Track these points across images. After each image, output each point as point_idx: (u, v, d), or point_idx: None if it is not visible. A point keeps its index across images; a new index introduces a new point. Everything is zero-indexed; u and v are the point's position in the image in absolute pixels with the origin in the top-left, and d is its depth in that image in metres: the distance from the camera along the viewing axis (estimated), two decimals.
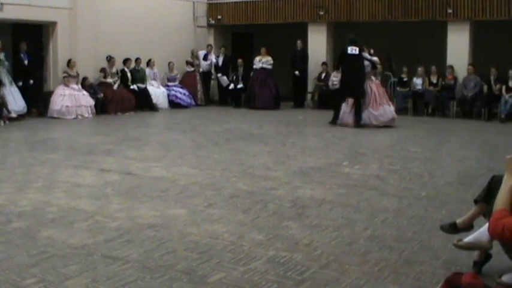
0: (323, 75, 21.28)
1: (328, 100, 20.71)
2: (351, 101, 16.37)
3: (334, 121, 16.53)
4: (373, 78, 16.55)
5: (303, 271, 5.50)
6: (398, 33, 21.18)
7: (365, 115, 16.24)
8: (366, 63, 16.41)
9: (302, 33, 21.64)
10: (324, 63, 21.31)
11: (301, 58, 21.58)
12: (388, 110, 16.41)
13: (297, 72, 21.55)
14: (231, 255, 5.90)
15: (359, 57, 16.32)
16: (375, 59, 16.81)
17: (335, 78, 20.75)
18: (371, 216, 7.43)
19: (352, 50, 16.34)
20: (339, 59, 17.14)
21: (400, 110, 19.54)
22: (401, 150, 12.62)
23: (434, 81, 19.54)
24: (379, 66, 16.88)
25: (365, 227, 6.95)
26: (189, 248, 6.12)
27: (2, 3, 16.81)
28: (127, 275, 5.37)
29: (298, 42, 21.55)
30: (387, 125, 16.24)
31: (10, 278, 5.29)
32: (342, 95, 16.67)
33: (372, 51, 17.20)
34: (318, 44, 21.56)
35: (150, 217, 7.30)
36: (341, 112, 16.53)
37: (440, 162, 11.41)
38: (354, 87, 16.25)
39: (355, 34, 16.77)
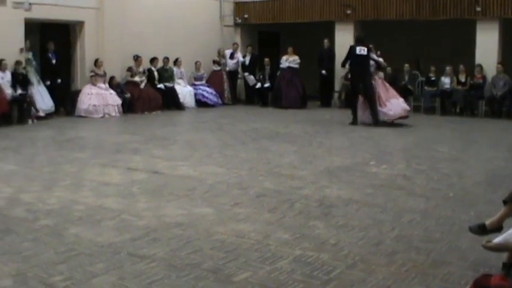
0: (349, 74, 21.17)
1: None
2: (361, 100, 16.48)
3: (355, 122, 16.57)
4: (376, 77, 16.58)
5: (329, 271, 5.49)
6: (426, 32, 21.07)
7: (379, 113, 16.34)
8: (371, 62, 16.48)
9: (329, 32, 21.57)
10: None
11: (328, 57, 21.51)
12: (395, 103, 16.38)
13: (323, 72, 21.50)
14: (257, 255, 5.90)
15: (367, 58, 16.43)
16: (381, 60, 16.94)
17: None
18: (398, 216, 7.40)
19: (361, 50, 16.44)
20: (346, 57, 17.08)
21: (428, 110, 19.48)
22: (428, 150, 12.54)
23: (463, 80, 19.37)
24: (384, 66, 17.18)
25: (392, 227, 6.93)
26: (215, 247, 6.13)
27: (30, 4, 16.92)
28: (153, 273, 5.39)
29: (325, 41, 21.49)
30: (402, 117, 16.30)
31: (38, 275, 5.34)
32: (354, 94, 16.84)
33: (378, 52, 17.27)
34: (345, 42, 21.31)
35: (176, 216, 7.32)
36: (358, 113, 16.64)
37: (468, 163, 11.32)
38: (362, 87, 16.37)
39: (364, 33, 17.34)
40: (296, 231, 6.69)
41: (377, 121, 16.11)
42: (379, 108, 16.21)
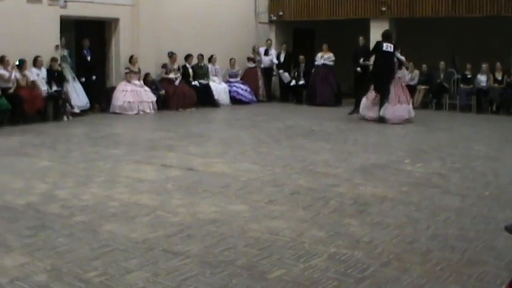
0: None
1: None
2: (372, 95, 16.53)
3: (355, 111, 16.98)
4: (397, 76, 16.62)
5: (363, 269, 5.47)
6: (462, 29, 20.86)
7: (384, 110, 16.32)
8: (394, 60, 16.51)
9: (364, 30, 21.46)
10: None
11: (363, 54, 21.39)
12: (405, 108, 16.51)
13: (358, 69, 21.38)
14: (291, 252, 5.90)
15: (392, 55, 16.44)
16: (403, 58, 16.97)
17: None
18: (433, 214, 7.35)
19: (388, 46, 16.43)
20: (371, 52, 17.30)
21: (464, 108, 19.32)
22: (464, 149, 12.46)
23: (499, 78, 19.19)
24: (407, 66, 17.36)
25: (427, 225, 6.89)
26: (249, 244, 6.14)
27: (65, 1, 17.05)
28: (187, 270, 5.41)
29: (360, 38, 21.36)
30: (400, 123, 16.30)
31: (73, 271, 5.38)
32: (367, 87, 16.87)
33: (399, 50, 17.16)
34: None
35: (210, 213, 7.34)
36: (361, 105, 16.79)
37: (504, 161, 11.21)
38: (382, 83, 16.35)
39: (392, 31, 17.39)
40: (330, 229, 6.68)
41: (382, 118, 16.21)
42: (389, 105, 16.24)
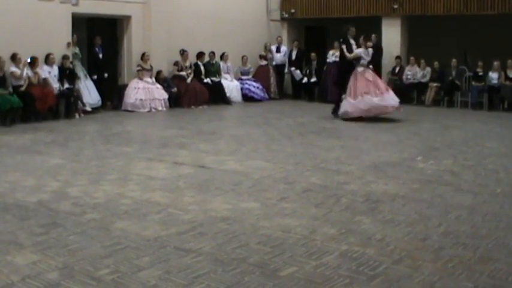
0: (397, 69, 21.08)
1: (401, 94, 20.55)
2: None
3: (335, 112, 16.72)
4: (359, 69, 16.37)
5: (375, 266, 5.46)
6: (474, 27, 20.79)
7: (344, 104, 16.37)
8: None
9: (376, 27, 21.43)
10: (397, 57, 21.08)
11: (375, 52, 21.35)
12: (369, 100, 16.06)
13: (370, 66, 21.34)
14: (303, 249, 5.90)
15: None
16: (352, 54, 16.59)
17: (409, 73, 20.59)
18: (445, 212, 7.34)
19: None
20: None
21: (475, 105, 19.25)
22: (476, 146, 12.42)
23: (511, 75, 19.10)
24: (349, 58, 16.63)
25: (439, 223, 6.87)
26: (261, 242, 6.14)
27: None
28: (199, 268, 5.41)
29: (373, 36, 21.34)
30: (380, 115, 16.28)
31: (84, 268, 5.39)
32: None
33: (369, 43, 17.08)
34: (392, 37, 21.31)
35: (222, 210, 7.35)
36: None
37: None
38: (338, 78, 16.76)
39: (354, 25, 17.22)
40: (342, 227, 6.68)
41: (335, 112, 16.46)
42: (349, 99, 16.23)
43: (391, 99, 16.29)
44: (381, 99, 16.08)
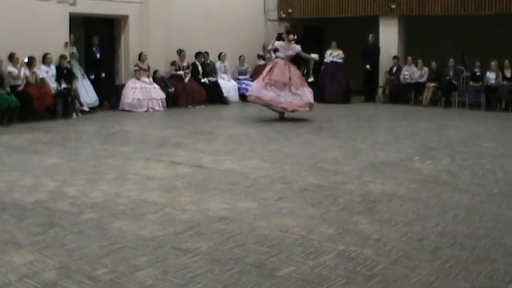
0: (394, 69, 21.10)
1: (399, 94, 20.61)
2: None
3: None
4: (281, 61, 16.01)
5: (372, 266, 5.47)
6: (471, 27, 20.82)
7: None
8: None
9: (373, 27, 21.46)
10: (395, 57, 21.09)
11: (373, 52, 21.41)
12: (276, 93, 15.71)
13: (368, 66, 21.41)
14: (300, 249, 5.90)
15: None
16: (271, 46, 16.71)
17: (406, 73, 20.60)
18: (442, 212, 7.34)
19: None
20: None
21: (473, 105, 19.27)
22: (473, 146, 12.43)
23: (508, 75, 19.10)
24: (279, 53, 16.19)
25: (436, 223, 6.88)
26: (258, 242, 6.14)
27: None
28: (196, 267, 5.41)
29: (370, 36, 21.39)
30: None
31: (82, 268, 5.39)
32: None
33: (291, 36, 16.21)
34: (389, 37, 21.34)
35: (220, 210, 7.35)
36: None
37: None
38: None
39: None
40: (339, 226, 6.68)
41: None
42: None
43: (294, 98, 15.85)
44: (281, 95, 15.71)
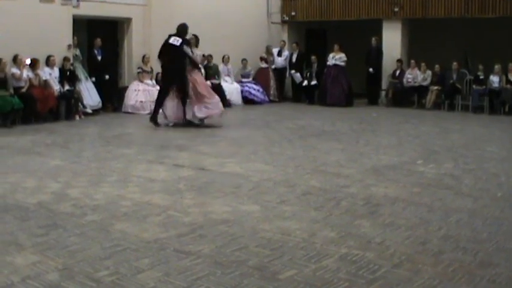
0: (397, 72, 21.07)
1: (402, 97, 20.58)
2: (174, 94, 15.34)
3: (155, 118, 15.37)
4: (191, 74, 15.31)
5: (375, 270, 5.45)
6: (475, 30, 20.81)
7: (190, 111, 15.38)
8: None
9: (376, 30, 21.45)
10: (398, 60, 21.07)
11: (376, 55, 21.40)
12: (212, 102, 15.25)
13: (371, 69, 21.39)
14: (303, 253, 5.89)
15: (179, 49, 15.19)
16: (190, 54, 15.29)
17: (410, 76, 20.57)
18: (445, 216, 7.33)
19: (175, 40, 15.33)
20: (160, 49, 15.75)
21: (476, 109, 19.24)
22: (477, 150, 12.41)
23: None
24: (196, 64, 15.55)
25: (439, 226, 6.86)
26: (261, 244, 6.13)
27: (78, 1, 17.13)
28: (199, 270, 5.41)
29: (373, 39, 21.37)
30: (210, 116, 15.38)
31: (84, 270, 5.40)
32: (167, 89, 15.39)
33: (190, 46, 15.46)
34: (392, 40, 21.32)
35: (222, 213, 7.34)
36: (168, 108, 15.38)
37: None
38: (176, 80, 15.25)
39: (184, 24, 15.63)
40: (342, 230, 6.67)
41: (186, 120, 15.38)
42: (191, 107, 15.30)
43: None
44: (217, 103, 15.35)
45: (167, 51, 15.39)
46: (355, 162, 10.75)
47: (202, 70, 18.05)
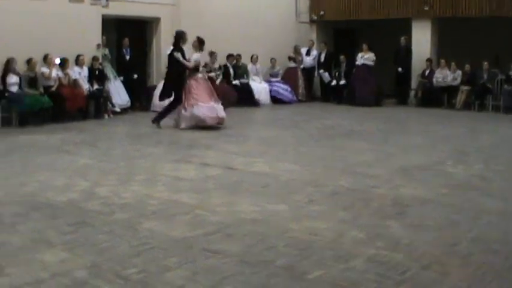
0: (427, 71, 20.93)
1: (432, 97, 20.44)
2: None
3: (159, 120, 15.09)
4: (199, 75, 15.14)
5: (403, 271, 5.42)
6: (506, 29, 20.58)
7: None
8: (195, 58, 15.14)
9: (406, 29, 21.33)
10: (428, 60, 20.93)
11: (405, 54, 21.28)
12: (209, 107, 14.83)
13: (400, 69, 21.28)
14: (331, 253, 5.86)
15: (171, 57, 15.20)
16: (188, 63, 14.96)
17: (439, 75, 20.43)
18: (475, 217, 7.26)
19: (168, 49, 15.47)
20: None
21: (507, 109, 19.05)
22: (507, 151, 12.31)
23: None
24: (186, 66, 14.98)
25: (468, 228, 6.80)
26: (289, 244, 6.11)
27: (107, 0, 17.22)
28: (226, 269, 5.41)
29: (402, 38, 21.25)
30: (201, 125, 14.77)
31: (112, 268, 5.42)
32: (180, 97, 15.01)
33: (179, 50, 15.07)
34: (422, 40, 21.18)
35: (250, 212, 7.33)
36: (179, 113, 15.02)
37: None
38: (174, 85, 15.05)
39: (177, 31, 15.52)
40: (370, 230, 6.63)
41: (155, 121, 14.98)
42: (183, 111, 14.84)
43: (220, 109, 15.06)
44: (210, 109, 14.82)
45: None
46: (384, 163, 10.70)
47: (212, 73, 18.32)
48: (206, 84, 15.29)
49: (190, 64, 14.95)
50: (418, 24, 21.27)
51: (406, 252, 5.94)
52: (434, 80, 20.66)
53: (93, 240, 6.20)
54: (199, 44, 15.27)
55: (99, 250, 5.88)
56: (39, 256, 5.71)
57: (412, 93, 21.51)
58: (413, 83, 21.51)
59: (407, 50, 21.31)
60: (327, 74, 22.25)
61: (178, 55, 14.98)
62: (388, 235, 6.50)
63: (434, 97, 20.62)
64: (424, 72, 21.05)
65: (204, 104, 14.77)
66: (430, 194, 8.37)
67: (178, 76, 15.04)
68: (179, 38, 15.22)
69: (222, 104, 15.24)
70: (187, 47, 15.24)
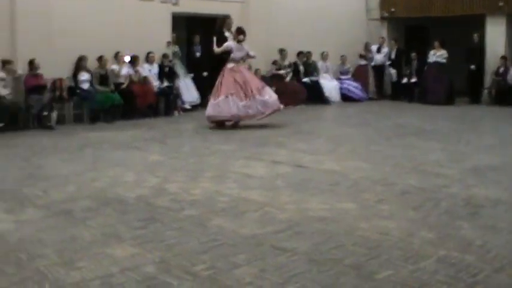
0: (501, 69, 20.52)
1: (506, 96, 20.04)
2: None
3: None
4: (229, 65, 14.66)
5: (475, 273, 5.30)
6: None
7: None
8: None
9: (479, 26, 20.96)
10: (502, 57, 20.50)
11: (478, 52, 20.92)
12: (231, 102, 14.30)
13: (473, 67, 20.93)
14: (400, 253, 5.79)
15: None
16: (221, 48, 14.80)
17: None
18: None
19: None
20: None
21: None
22: None
23: None
24: (233, 55, 14.62)
25: None
26: (357, 243, 6.06)
27: None
28: (294, 267, 5.38)
29: (475, 35, 20.90)
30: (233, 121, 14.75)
31: (181, 264, 5.44)
32: None
33: (241, 36, 14.69)
34: (496, 37, 20.78)
35: (319, 210, 7.30)
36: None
37: None
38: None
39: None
40: (441, 231, 6.52)
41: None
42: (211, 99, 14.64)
43: (261, 104, 14.49)
44: (247, 105, 14.33)
45: None
46: (456, 162, 10.52)
47: (282, 71, 18.21)
48: (239, 76, 14.56)
49: (217, 49, 14.87)
50: (493, 20, 20.86)
51: (478, 254, 5.81)
52: (508, 77, 20.23)
53: (162, 236, 6.25)
54: (237, 33, 14.94)
55: (168, 246, 5.92)
56: (109, 251, 5.78)
57: (486, 91, 21.12)
58: (487, 81, 21.12)
59: (481, 48, 20.94)
60: (394, 71, 22.04)
61: (214, 39, 15.16)
62: (459, 236, 6.38)
63: (509, 95, 20.20)
64: (498, 69, 20.63)
65: (213, 102, 14.47)
66: (503, 195, 8.18)
67: (218, 64, 15.14)
68: (222, 24, 15.69)
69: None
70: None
